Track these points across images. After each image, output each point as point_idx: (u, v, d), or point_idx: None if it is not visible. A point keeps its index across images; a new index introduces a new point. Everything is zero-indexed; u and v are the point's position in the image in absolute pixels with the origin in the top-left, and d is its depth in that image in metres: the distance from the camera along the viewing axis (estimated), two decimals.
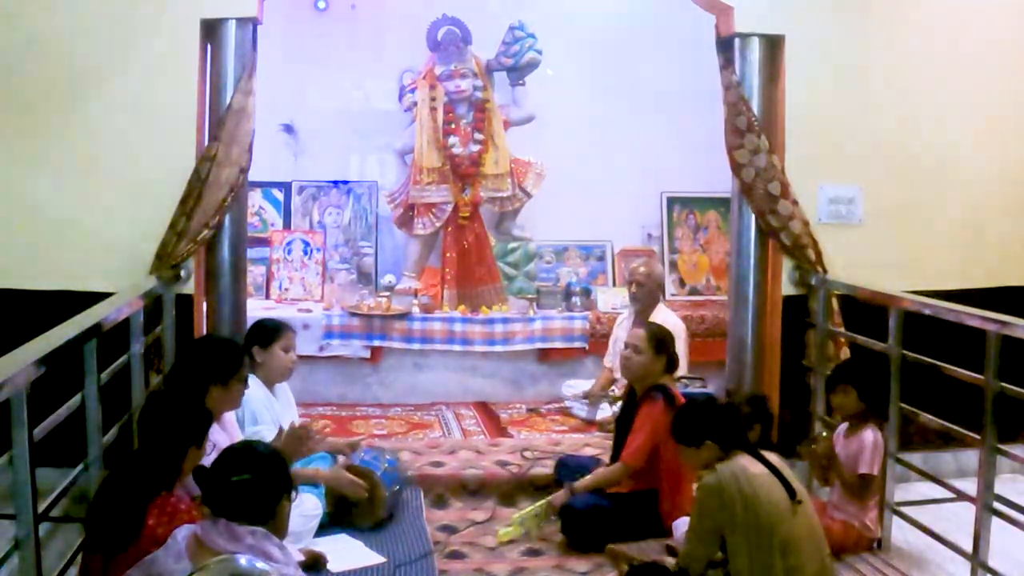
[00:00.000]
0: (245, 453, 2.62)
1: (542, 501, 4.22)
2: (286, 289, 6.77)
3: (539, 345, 6.30)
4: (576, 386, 5.89)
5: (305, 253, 6.83)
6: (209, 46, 4.56)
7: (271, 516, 2.50)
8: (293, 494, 2.62)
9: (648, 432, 4.06)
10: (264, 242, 6.82)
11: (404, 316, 6.16)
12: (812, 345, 4.78)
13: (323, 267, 6.81)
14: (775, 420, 4.38)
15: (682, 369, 4.66)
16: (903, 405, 4.03)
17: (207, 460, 2.87)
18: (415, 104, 6.58)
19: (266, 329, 4.13)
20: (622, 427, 4.26)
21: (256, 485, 2.49)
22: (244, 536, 2.41)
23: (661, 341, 4.20)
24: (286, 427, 3.95)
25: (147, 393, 3.89)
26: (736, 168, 4.80)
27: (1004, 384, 3.44)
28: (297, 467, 3.81)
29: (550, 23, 6.77)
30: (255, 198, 6.92)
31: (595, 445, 5.04)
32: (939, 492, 4.00)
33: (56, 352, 2.88)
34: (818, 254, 4.79)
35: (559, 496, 4.16)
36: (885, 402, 3.99)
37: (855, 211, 4.94)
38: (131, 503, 2.66)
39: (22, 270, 4.50)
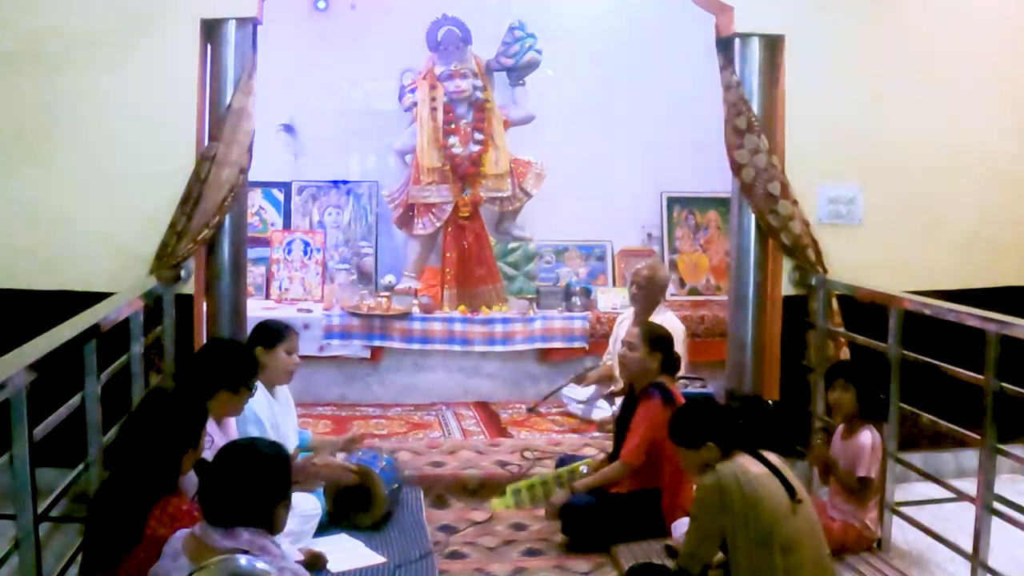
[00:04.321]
0: (244, 455, 2.58)
1: (540, 474, 4.25)
2: (286, 289, 6.77)
3: (539, 345, 6.31)
4: (576, 388, 5.88)
5: (305, 253, 6.83)
6: (209, 46, 4.56)
7: (269, 525, 2.48)
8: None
9: (645, 430, 4.06)
10: (264, 242, 6.83)
11: (404, 316, 6.16)
12: (812, 345, 4.77)
13: (323, 267, 6.81)
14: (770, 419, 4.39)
15: (682, 369, 4.65)
16: (903, 405, 4.03)
17: (205, 455, 2.86)
18: (415, 104, 6.58)
19: (270, 331, 4.11)
20: (622, 426, 4.26)
21: (251, 490, 2.46)
22: (241, 532, 2.41)
23: (656, 339, 4.20)
24: (284, 429, 3.96)
25: (144, 393, 3.88)
26: (736, 168, 4.80)
27: (1004, 384, 3.44)
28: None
29: (550, 23, 6.77)
30: (255, 198, 6.92)
31: (595, 445, 5.03)
32: (939, 492, 3.99)
33: (56, 352, 2.88)
34: (818, 254, 4.79)
35: (559, 496, 4.16)
36: (880, 402, 3.98)
37: (855, 211, 4.94)
38: (133, 507, 2.64)
39: (22, 270, 4.50)
